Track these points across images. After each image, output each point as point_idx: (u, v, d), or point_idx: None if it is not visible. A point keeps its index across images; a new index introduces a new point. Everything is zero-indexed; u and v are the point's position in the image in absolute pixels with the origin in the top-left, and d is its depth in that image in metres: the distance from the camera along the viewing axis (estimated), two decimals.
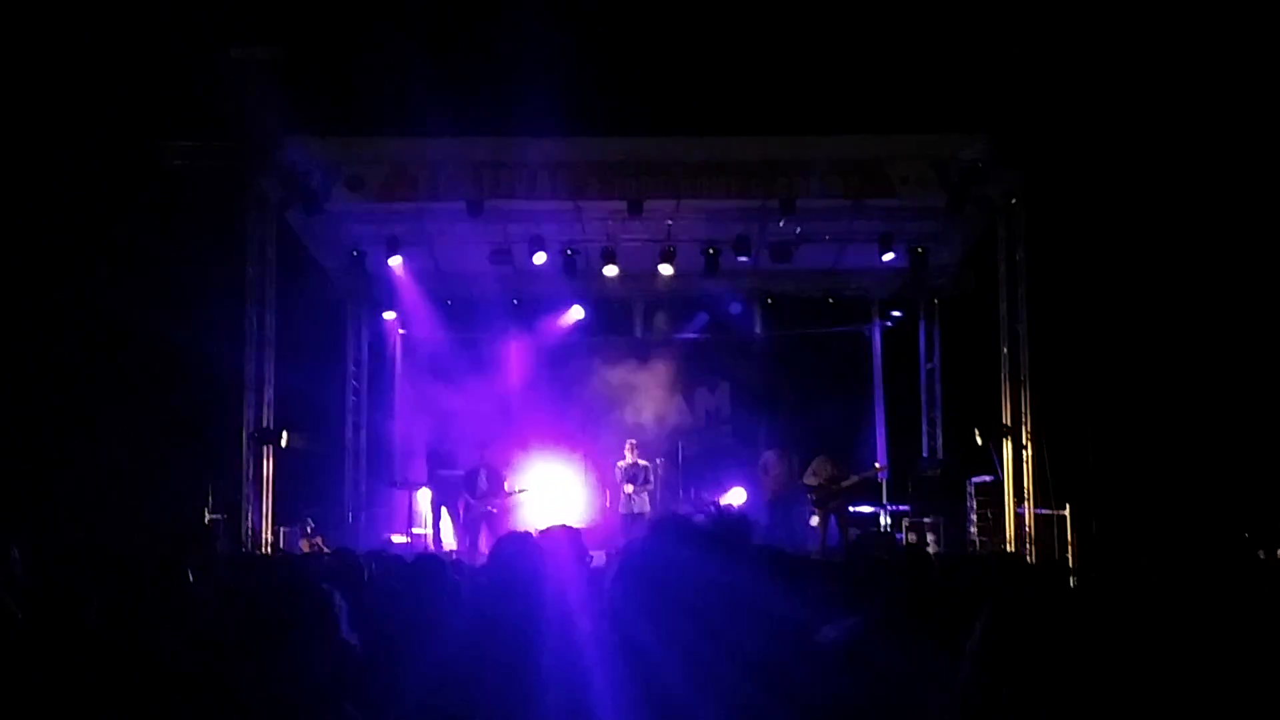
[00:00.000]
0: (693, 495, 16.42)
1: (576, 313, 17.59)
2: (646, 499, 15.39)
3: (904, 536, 15.41)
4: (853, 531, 15.38)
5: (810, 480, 15.42)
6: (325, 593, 3.00)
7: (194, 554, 5.84)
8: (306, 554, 11.91)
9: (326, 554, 9.41)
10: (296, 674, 2.85)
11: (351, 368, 17.55)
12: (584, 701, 2.80)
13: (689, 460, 17.00)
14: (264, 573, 5.50)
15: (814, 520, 15.51)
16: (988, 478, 14.33)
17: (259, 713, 2.83)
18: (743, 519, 2.04)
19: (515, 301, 17.51)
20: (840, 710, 2.42)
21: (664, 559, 1.88)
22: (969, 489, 15.05)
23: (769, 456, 16.16)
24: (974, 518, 14.96)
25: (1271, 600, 4.92)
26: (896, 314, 17.98)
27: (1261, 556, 10.54)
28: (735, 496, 16.23)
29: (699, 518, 1.95)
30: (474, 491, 14.91)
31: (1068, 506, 12.89)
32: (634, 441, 15.70)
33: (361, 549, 8.05)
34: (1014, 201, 13.55)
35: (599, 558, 5.66)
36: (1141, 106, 12.17)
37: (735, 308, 17.70)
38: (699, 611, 1.82)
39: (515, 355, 18.23)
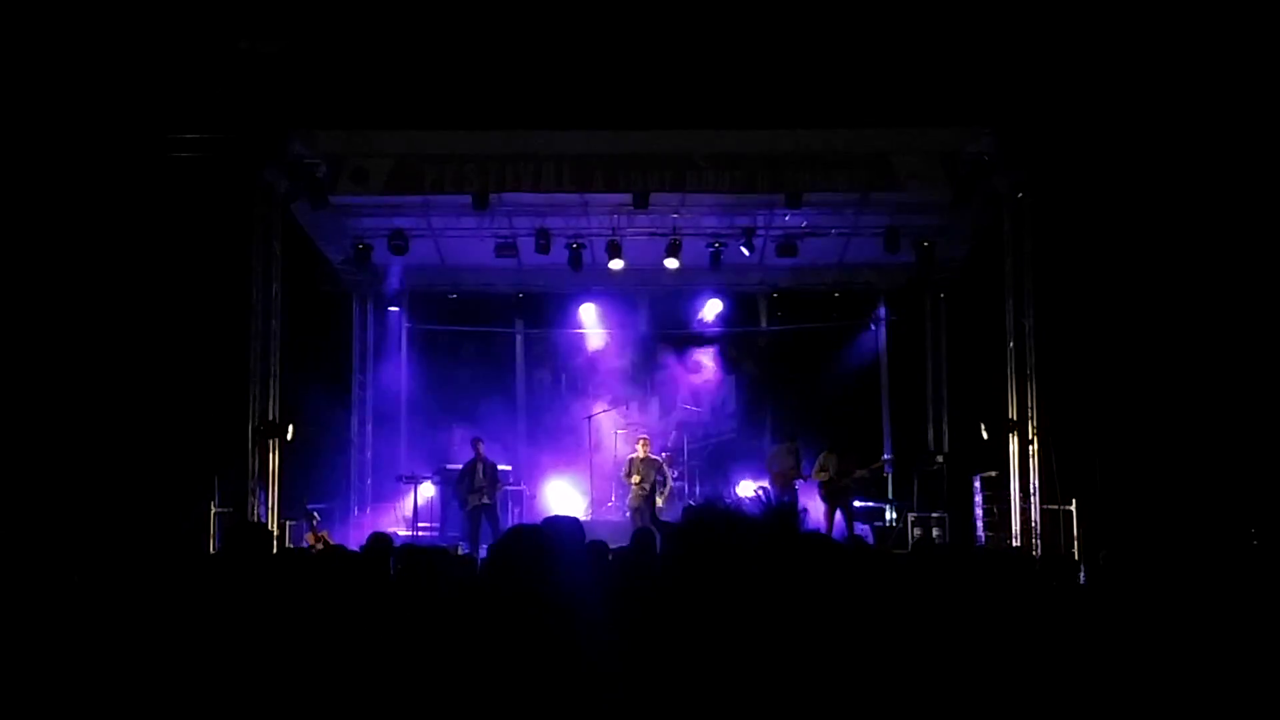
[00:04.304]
0: (699, 490, 16.42)
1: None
2: (656, 493, 15.39)
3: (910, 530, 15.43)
4: (858, 526, 15.38)
5: (817, 475, 15.43)
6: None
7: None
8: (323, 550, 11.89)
9: (328, 545, 9.39)
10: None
11: (357, 360, 17.55)
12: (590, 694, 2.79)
13: (695, 454, 16.99)
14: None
15: (820, 514, 15.50)
16: (993, 472, 14.32)
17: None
18: (793, 508, 1.98)
19: (520, 295, 17.51)
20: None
21: (711, 545, 1.83)
22: (975, 484, 15.04)
23: (775, 450, 16.13)
24: (980, 513, 14.96)
25: (1273, 594, 4.90)
26: (902, 308, 17.95)
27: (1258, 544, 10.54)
28: (743, 490, 16.21)
29: (748, 505, 1.90)
30: (470, 484, 14.85)
31: (1074, 502, 12.86)
32: (645, 436, 15.69)
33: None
34: (1021, 195, 13.50)
35: (610, 550, 5.65)
36: (1149, 100, 12.13)
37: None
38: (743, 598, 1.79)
39: (521, 349, 18.25)
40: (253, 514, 12.70)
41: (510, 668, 3.18)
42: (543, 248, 15.23)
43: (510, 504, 15.26)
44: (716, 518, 1.87)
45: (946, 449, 16.87)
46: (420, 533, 15.50)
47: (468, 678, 3.00)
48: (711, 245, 15.60)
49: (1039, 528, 13.07)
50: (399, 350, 18.09)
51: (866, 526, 15.68)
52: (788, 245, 15.54)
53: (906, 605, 3.58)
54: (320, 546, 12.38)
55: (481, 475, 14.80)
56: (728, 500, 1.90)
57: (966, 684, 2.83)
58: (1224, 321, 12.61)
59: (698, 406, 17.59)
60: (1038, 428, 13.20)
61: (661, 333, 18.12)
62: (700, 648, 1.83)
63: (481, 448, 15.01)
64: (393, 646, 3.76)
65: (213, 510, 12.74)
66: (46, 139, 12.12)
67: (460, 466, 15.46)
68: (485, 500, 14.73)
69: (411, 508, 15.92)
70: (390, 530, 15.26)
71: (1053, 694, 2.95)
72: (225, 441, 13.02)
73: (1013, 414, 13.56)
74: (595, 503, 16.48)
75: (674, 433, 17.12)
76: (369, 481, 17.25)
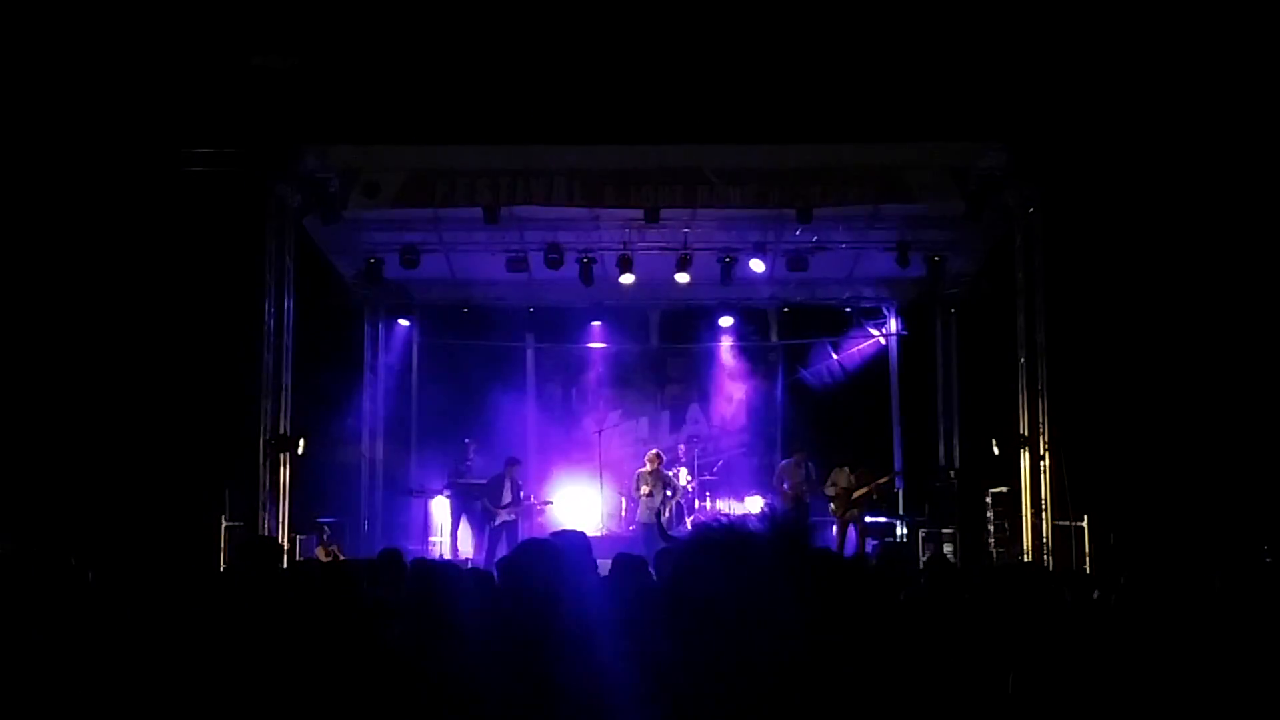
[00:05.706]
0: (709, 505, 16.40)
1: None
2: (667, 508, 15.36)
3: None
4: (870, 542, 15.32)
5: (829, 490, 15.39)
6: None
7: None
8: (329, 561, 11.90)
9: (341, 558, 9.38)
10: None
11: (368, 374, 17.56)
12: (603, 711, 2.79)
13: (705, 469, 16.97)
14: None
15: (833, 530, 15.45)
16: (1005, 488, 14.27)
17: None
18: (801, 521, 1.94)
19: (530, 309, 17.52)
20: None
21: (706, 577, 1.81)
22: (986, 499, 14.98)
23: (785, 465, 16.11)
24: (991, 528, 14.89)
25: None
26: (914, 322, 17.92)
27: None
28: (750, 506, 16.18)
29: (753, 522, 1.86)
30: (497, 501, 14.90)
31: (1085, 518, 12.81)
32: (657, 451, 15.69)
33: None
34: (1032, 210, 13.49)
35: (604, 566, 5.63)
36: (1160, 115, 12.12)
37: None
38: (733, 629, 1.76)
39: (532, 363, 18.25)
40: (263, 528, 12.69)
41: (523, 683, 3.17)
42: (554, 262, 15.23)
43: (520, 518, 15.26)
44: (722, 536, 1.85)
45: (958, 464, 16.82)
46: (431, 546, 15.50)
47: (479, 694, 3.00)
48: (722, 259, 15.59)
49: (1050, 543, 13.01)
50: (410, 364, 18.10)
51: (875, 542, 15.64)
52: (798, 259, 15.53)
53: (918, 629, 3.57)
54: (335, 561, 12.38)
55: (509, 493, 14.90)
56: (731, 519, 1.87)
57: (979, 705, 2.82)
58: (1237, 336, 12.57)
59: (708, 420, 17.56)
60: (1049, 443, 13.16)
61: (672, 347, 18.12)
62: (704, 667, 1.81)
63: (512, 466, 15.11)
64: (401, 661, 3.76)
65: (223, 524, 12.74)
66: (61, 153, 12.19)
67: (478, 481, 15.46)
68: (511, 517, 14.85)
69: (422, 522, 15.92)
70: (401, 544, 15.32)
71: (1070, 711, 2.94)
72: (236, 455, 13.04)
73: (1024, 429, 13.52)
74: (606, 516, 16.47)
75: (684, 446, 17.11)
76: (379, 495, 17.24)
